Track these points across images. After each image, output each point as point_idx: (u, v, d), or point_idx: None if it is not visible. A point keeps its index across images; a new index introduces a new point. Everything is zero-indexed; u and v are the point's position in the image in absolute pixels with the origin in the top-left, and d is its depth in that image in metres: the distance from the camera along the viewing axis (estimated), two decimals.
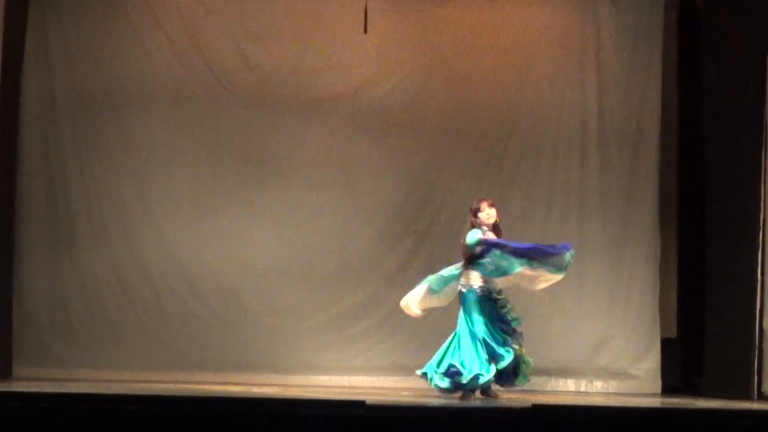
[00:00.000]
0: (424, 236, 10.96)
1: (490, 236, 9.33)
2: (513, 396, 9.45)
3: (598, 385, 10.91)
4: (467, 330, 9.21)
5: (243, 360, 10.80)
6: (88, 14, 11.01)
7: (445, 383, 9.16)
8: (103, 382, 10.15)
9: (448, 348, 9.26)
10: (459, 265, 9.42)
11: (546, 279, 9.29)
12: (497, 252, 9.19)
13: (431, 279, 9.47)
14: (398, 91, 11.13)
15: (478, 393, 9.25)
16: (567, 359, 10.84)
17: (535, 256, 9.20)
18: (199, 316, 10.94)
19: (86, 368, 10.66)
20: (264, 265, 10.99)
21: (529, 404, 7.92)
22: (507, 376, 9.25)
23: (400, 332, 10.70)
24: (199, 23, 11.12)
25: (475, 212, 9.39)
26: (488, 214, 9.36)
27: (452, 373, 9.11)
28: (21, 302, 10.82)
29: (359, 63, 11.12)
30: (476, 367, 9.07)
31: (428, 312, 9.57)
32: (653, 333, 10.97)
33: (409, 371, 9.89)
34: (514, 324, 9.26)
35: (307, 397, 8.65)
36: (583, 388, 10.88)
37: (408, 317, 9.63)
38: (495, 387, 9.36)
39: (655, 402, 9.85)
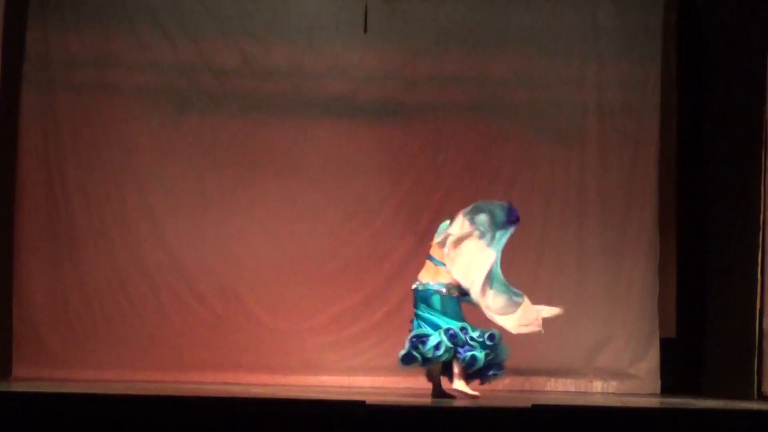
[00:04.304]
0: (423, 236, 10.93)
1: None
2: (513, 396, 9.44)
3: (598, 385, 10.93)
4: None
5: (243, 360, 10.80)
6: (88, 14, 11.00)
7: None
8: (103, 382, 10.15)
9: None
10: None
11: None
12: None
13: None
14: (398, 91, 11.14)
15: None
16: (567, 359, 10.86)
17: None
18: (199, 316, 10.93)
19: (86, 368, 10.63)
20: (264, 265, 10.98)
21: (529, 404, 7.92)
22: None
23: (400, 332, 10.65)
24: (199, 23, 11.12)
25: None
26: None
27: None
28: (21, 302, 10.81)
29: (359, 63, 11.13)
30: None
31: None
32: (652, 333, 10.99)
33: (409, 371, 9.83)
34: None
35: (307, 397, 8.64)
36: (582, 388, 10.89)
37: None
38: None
39: (655, 402, 9.84)
